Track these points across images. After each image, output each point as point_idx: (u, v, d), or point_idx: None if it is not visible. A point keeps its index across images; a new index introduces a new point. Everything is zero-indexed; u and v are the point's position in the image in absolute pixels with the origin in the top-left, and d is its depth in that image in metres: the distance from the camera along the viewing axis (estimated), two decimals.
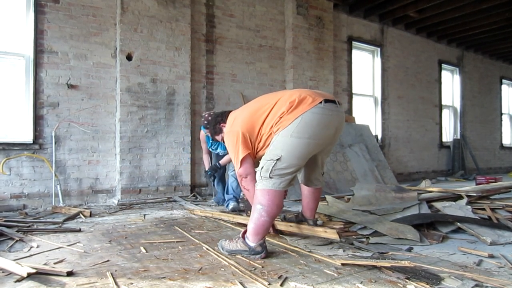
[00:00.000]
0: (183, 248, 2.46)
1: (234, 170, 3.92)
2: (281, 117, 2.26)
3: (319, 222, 3.22)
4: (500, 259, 2.17)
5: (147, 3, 4.64)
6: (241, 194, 4.01)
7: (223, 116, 2.75)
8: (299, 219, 2.83)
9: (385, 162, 6.14)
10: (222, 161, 3.93)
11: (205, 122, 3.59)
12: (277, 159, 2.19)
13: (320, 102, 2.26)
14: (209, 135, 3.63)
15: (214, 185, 4.31)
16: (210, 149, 4.14)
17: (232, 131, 2.43)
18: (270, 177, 2.20)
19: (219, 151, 4.05)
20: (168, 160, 4.79)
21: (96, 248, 2.47)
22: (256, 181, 2.29)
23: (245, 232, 2.27)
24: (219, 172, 4.18)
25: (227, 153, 3.78)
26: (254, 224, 2.21)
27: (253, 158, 2.43)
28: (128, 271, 1.99)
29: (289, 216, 2.92)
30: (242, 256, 2.21)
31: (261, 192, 2.21)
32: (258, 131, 2.37)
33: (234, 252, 2.25)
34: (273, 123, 2.30)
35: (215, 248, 2.41)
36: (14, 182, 4.02)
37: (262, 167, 2.23)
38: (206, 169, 4.13)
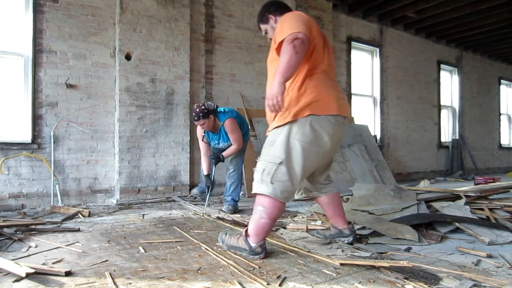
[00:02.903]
0: (182, 248, 2.46)
1: (233, 170, 3.90)
2: (314, 74, 2.17)
3: (318, 222, 3.23)
4: (498, 259, 2.18)
5: (146, 3, 4.64)
6: (239, 195, 3.98)
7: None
8: (333, 235, 2.56)
9: (384, 162, 6.15)
10: (225, 153, 3.72)
11: (204, 110, 3.51)
12: (280, 163, 2.09)
13: (337, 115, 2.19)
14: (205, 127, 3.62)
15: (208, 192, 3.84)
16: (211, 143, 3.84)
17: (291, 12, 2.22)
18: (271, 183, 2.09)
19: (222, 145, 3.79)
20: (167, 160, 4.79)
21: (95, 248, 2.46)
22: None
23: (247, 230, 2.23)
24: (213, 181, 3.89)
25: (230, 145, 3.73)
26: (254, 225, 2.18)
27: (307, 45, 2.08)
28: (126, 271, 1.98)
29: (320, 235, 2.63)
30: (241, 256, 2.21)
31: (262, 196, 2.13)
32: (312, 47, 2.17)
33: (233, 248, 2.24)
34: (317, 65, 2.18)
35: (214, 248, 2.41)
36: (13, 181, 4.02)
37: (264, 170, 2.11)
38: (205, 173, 3.80)
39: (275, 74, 2.01)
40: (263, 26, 2.52)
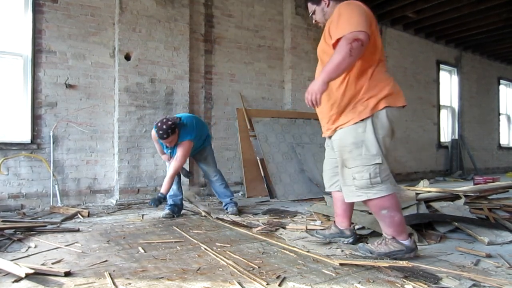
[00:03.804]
0: (182, 248, 2.46)
1: (215, 175, 3.85)
2: (379, 64, 2.11)
3: (317, 222, 3.23)
4: (497, 259, 2.18)
5: (145, 3, 4.63)
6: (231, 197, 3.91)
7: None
8: (334, 235, 2.54)
9: None
10: (165, 187, 3.37)
11: (172, 126, 3.28)
12: (380, 163, 2.07)
13: (403, 106, 2.16)
14: (171, 144, 3.40)
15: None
16: (166, 152, 3.67)
17: (350, 2, 2.09)
18: (382, 183, 2.07)
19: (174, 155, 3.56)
20: None
21: (94, 248, 2.46)
22: (359, 187, 2.10)
23: (389, 235, 2.15)
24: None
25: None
26: (392, 227, 2.13)
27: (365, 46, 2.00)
28: (126, 271, 1.98)
29: (320, 234, 2.58)
30: (241, 257, 2.21)
31: (379, 199, 2.08)
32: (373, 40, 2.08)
33: (388, 255, 2.13)
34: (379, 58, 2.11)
35: (213, 248, 2.41)
36: (12, 182, 4.01)
37: (370, 175, 2.06)
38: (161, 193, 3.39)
39: (322, 70, 1.99)
40: (311, 6, 2.37)
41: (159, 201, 3.35)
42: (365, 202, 2.16)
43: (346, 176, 2.17)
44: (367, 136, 2.08)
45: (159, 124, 3.31)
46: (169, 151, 3.60)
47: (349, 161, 2.13)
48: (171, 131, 3.28)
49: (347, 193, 2.20)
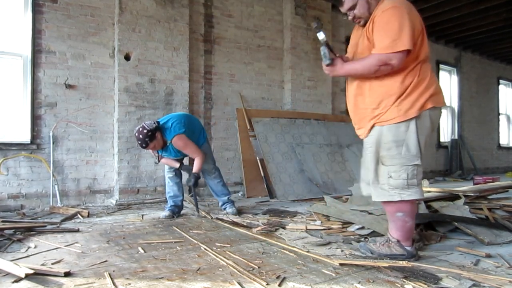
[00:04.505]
0: (181, 248, 2.46)
1: (213, 171, 3.81)
2: (425, 62, 2.04)
3: (317, 223, 3.23)
4: (497, 259, 2.18)
5: (145, 3, 4.63)
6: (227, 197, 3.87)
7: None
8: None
9: None
10: (196, 169, 3.50)
11: (148, 133, 3.24)
12: (419, 164, 2.01)
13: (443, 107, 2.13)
14: (156, 148, 3.38)
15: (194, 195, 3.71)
16: (159, 154, 3.62)
17: (399, 8, 1.98)
18: (418, 185, 2.02)
19: (172, 157, 3.60)
20: None
21: (94, 248, 2.46)
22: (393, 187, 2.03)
23: (394, 238, 2.13)
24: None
25: (182, 157, 3.65)
26: (401, 232, 2.10)
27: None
28: (126, 272, 1.98)
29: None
30: (241, 257, 2.21)
31: (406, 202, 2.03)
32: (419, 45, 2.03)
33: (388, 256, 2.11)
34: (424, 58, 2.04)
35: (213, 248, 2.41)
36: (12, 182, 4.01)
37: (407, 175, 1.99)
38: (176, 167, 3.56)
39: (349, 64, 2.08)
40: (352, 0, 2.13)
41: (196, 181, 3.51)
42: (385, 202, 2.10)
43: (381, 174, 2.07)
44: (409, 135, 2.01)
45: (136, 134, 3.30)
46: (161, 152, 3.55)
47: (387, 159, 2.05)
48: (149, 139, 3.26)
49: (379, 191, 2.09)
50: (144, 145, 3.29)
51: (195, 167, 3.51)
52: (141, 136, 3.25)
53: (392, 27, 1.95)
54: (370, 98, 2.11)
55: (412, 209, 2.09)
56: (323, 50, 2.17)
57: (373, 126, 2.11)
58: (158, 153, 3.56)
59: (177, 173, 3.69)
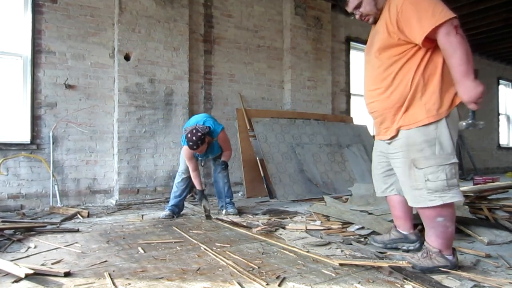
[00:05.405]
0: (181, 248, 2.46)
1: (221, 171, 3.82)
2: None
3: (317, 223, 3.22)
4: (497, 259, 2.18)
5: (145, 3, 4.63)
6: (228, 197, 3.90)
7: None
8: (396, 240, 2.37)
9: None
10: (226, 158, 3.78)
11: (202, 137, 3.34)
12: (455, 163, 1.87)
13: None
14: (201, 151, 3.46)
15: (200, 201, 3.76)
16: (200, 158, 3.77)
17: None
18: (458, 186, 1.88)
19: (211, 157, 3.83)
20: (166, 160, 4.78)
21: (94, 248, 2.46)
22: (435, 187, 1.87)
23: (439, 247, 1.96)
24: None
25: (220, 152, 3.76)
26: (442, 239, 1.93)
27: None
28: (126, 272, 1.98)
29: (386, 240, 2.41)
30: (241, 257, 2.21)
31: (447, 205, 1.88)
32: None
33: (431, 269, 1.93)
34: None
35: (213, 248, 2.41)
36: (12, 182, 4.01)
37: (446, 175, 1.84)
38: (199, 189, 3.67)
39: (455, 71, 1.75)
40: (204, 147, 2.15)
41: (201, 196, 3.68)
42: (423, 207, 1.94)
43: (417, 178, 1.91)
44: (441, 132, 1.86)
45: (189, 135, 3.37)
46: (198, 156, 3.68)
47: (420, 161, 1.89)
48: (201, 142, 3.36)
49: (417, 197, 1.94)
50: (195, 147, 3.37)
51: (226, 157, 3.80)
52: (194, 138, 3.33)
53: (425, 5, 1.79)
54: (393, 96, 1.96)
55: (453, 212, 1.93)
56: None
57: (397, 130, 1.98)
58: (200, 157, 3.74)
59: (189, 177, 3.73)
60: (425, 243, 2.03)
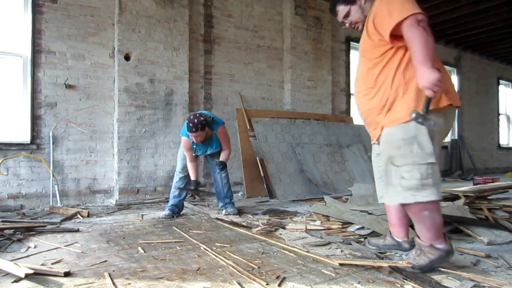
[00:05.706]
0: (181, 248, 2.46)
1: (219, 172, 3.81)
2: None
3: (317, 223, 3.22)
4: (497, 259, 2.18)
5: (145, 3, 4.63)
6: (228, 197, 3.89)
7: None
8: (389, 246, 2.37)
9: None
10: (224, 158, 3.76)
11: (203, 122, 3.39)
12: (434, 162, 1.86)
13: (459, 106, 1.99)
14: (198, 139, 3.46)
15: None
16: (198, 153, 3.73)
17: None
18: (434, 185, 1.87)
19: (209, 152, 3.75)
20: (166, 160, 4.78)
21: (94, 248, 2.46)
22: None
23: (430, 240, 1.95)
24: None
25: (219, 149, 3.75)
26: (433, 231, 1.93)
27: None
28: (126, 272, 1.98)
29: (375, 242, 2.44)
30: (241, 257, 2.21)
31: (425, 203, 1.87)
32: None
33: (432, 265, 1.93)
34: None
35: (213, 248, 2.41)
36: (12, 182, 4.01)
37: (421, 175, 1.85)
38: (193, 179, 3.67)
39: (415, 60, 1.80)
40: (345, 8, 2.16)
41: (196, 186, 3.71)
42: (406, 204, 1.95)
43: (392, 174, 1.94)
44: (420, 131, 1.86)
45: (191, 117, 3.42)
46: (195, 146, 3.65)
47: (397, 159, 1.91)
48: (201, 127, 3.37)
49: (391, 193, 1.97)
50: (194, 129, 3.36)
51: (224, 157, 3.76)
52: (196, 120, 3.36)
53: (397, 3, 1.87)
54: (376, 97, 2.02)
55: (437, 204, 1.92)
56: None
57: (382, 129, 2.02)
58: (198, 152, 3.71)
59: (188, 176, 3.74)
60: (415, 239, 2.03)
